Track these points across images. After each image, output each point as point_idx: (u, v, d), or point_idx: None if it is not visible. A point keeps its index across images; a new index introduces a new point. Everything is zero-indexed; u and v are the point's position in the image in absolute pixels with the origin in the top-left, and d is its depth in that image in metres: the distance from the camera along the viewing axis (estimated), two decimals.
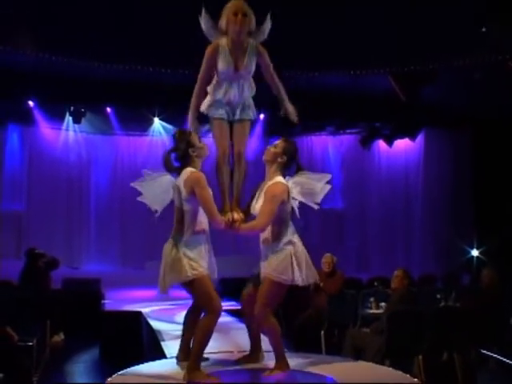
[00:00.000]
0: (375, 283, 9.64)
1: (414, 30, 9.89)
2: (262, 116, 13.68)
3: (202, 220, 4.53)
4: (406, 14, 9.61)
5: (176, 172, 4.59)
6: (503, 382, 6.38)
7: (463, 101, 13.01)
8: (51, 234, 14.42)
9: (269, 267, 4.50)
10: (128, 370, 4.61)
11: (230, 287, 11.24)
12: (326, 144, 16.28)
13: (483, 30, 9.98)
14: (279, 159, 4.68)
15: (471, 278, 12.32)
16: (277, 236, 4.55)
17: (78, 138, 15.17)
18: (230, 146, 4.81)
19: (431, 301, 8.73)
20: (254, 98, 4.86)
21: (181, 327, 4.86)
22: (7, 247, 13.57)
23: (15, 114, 14.03)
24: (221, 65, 4.61)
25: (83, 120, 14.10)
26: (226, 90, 4.68)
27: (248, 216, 4.69)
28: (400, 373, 4.72)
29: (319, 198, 4.74)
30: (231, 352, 5.41)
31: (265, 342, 4.79)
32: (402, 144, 15.44)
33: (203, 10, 4.65)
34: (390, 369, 5.00)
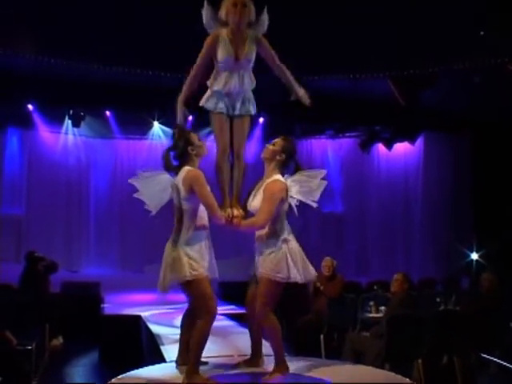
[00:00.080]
0: (375, 287, 9.63)
1: (414, 34, 9.90)
2: (261, 119, 13.69)
3: (203, 215, 4.53)
4: (405, 18, 9.61)
5: (174, 171, 4.59)
6: None
7: (462, 104, 13.01)
8: (51, 238, 14.40)
9: (265, 266, 4.50)
10: (127, 373, 4.61)
11: (230, 291, 11.24)
12: (325, 147, 16.27)
13: (482, 33, 9.98)
14: (278, 157, 4.68)
15: (471, 281, 12.33)
16: (272, 234, 4.55)
17: (77, 142, 15.15)
18: (229, 142, 4.82)
19: (431, 304, 8.73)
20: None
21: None
22: (7, 251, 13.56)
23: (14, 117, 14.01)
24: (221, 54, 4.62)
25: (82, 123, 14.09)
26: (226, 81, 4.67)
27: (246, 213, 4.70)
28: (400, 377, 4.72)
29: (316, 196, 4.73)
30: (231, 356, 5.40)
31: (265, 347, 4.79)
32: (401, 147, 15.44)
33: (205, 2, 4.68)
34: (390, 373, 5.00)
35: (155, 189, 4.65)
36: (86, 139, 15.22)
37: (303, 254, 4.61)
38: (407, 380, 4.69)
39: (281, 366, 4.50)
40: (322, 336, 8.15)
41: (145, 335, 8.25)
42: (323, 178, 4.72)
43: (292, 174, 4.75)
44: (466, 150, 15.04)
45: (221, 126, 4.75)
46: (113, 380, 4.43)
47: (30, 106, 13.53)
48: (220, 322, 8.40)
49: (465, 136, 14.92)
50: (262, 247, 4.58)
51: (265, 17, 4.79)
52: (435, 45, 10.20)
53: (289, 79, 4.88)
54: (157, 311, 9.54)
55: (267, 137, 13.96)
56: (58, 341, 9.21)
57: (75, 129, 14.54)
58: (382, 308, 8.06)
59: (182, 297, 4.73)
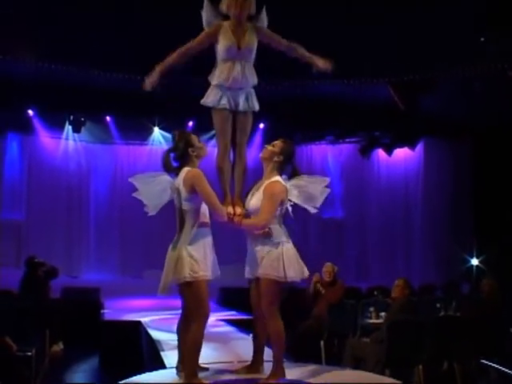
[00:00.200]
0: (375, 292, 9.61)
1: (413, 40, 9.91)
2: (261, 125, 13.69)
3: (205, 213, 4.53)
4: (405, 23, 9.62)
5: (174, 172, 4.59)
6: None
7: (462, 110, 13.01)
8: (51, 243, 14.39)
9: (262, 267, 4.51)
10: (127, 379, 4.60)
11: (231, 296, 11.25)
12: (325, 153, 16.28)
13: (482, 39, 9.99)
14: (276, 158, 4.70)
15: (471, 287, 12.31)
16: (268, 235, 4.55)
17: (77, 147, 15.17)
18: (231, 140, 4.82)
19: (431, 310, 8.71)
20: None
21: None
22: (7, 256, 13.55)
23: (15, 123, 14.03)
24: (224, 42, 4.67)
25: (83, 129, 14.12)
26: (229, 71, 4.67)
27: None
28: (400, 383, 4.71)
29: (318, 202, 4.75)
30: (231, 362, 5.40)
31: (266, 354, 4.78)
32: (401, 153, 15.44)
33: (205, 1, 4.71)
34: (390, 379, 4.99)
35: (155, 189, 4.62)
36: (86, 145, 15.24)
37: (298, 256, 4.61)
38: None
39: (277, 370, 4.51)
40: (322, 342, 8.14)
41: (145, 341, 8.23)
42: (326, 186, 4.74)
43: (290, 177, 4.76)
44: (465, 156, 15.03)
45: (223, 123, 4.76)
46: None
47: (30, 112, 13.57)
48: (220, 328, 8.41)
49: (465, 142, 14.92)
50: (257, 247, 4.58)
51: (263, 15, 4.84)
52: (435, 50, 10.21)
53: (304, 55, 4.88)
54: (157, 317, 9.53)
55: (267, 143, 13.97)
56: (59, 346, 9.17)
57: (75, 134, 14.57)
58: (383, 314, 8.04)
59: None
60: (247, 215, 4.67)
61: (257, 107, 4.85)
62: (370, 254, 15.80)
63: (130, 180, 4.65)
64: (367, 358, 6.89)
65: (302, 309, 8.80)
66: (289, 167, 4.77)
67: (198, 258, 4.36)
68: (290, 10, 8.70)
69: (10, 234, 14.31)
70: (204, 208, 4.49)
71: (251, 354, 4.86)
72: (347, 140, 15.84)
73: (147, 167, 14.17)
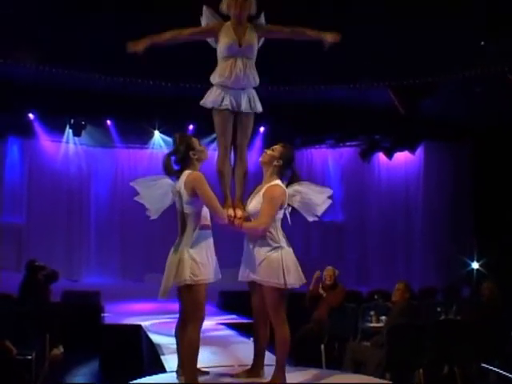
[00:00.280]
0: (375, 296, 9.61)
1: (414, 43, 9.91)
2: (262, 129, 13.70)
3: (206, 215, 4.51)
4: (405, 27, 9.62)
5: (175, 175, 4.58)
6: None
7: (463, 113, 13.02)
8: (51, 247, 14.39)
9: (261, 273, 4.49)
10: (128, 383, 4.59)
11: (231, 300, 11.23)
12: (325, 157, 16.30)
13: (482, 43, 10.00)
14: (275, 163, 4.69)
15: (471, 290, 12.30)
16: (266, 239, 4.54)
17: (78, 151, 15.17)
18: (231, 142, 4.81)
19: (432, 314, 8.71)
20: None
21: None
22: (7, 260, 13.54)
23: (15, 126, 14.04)
24: (225, 40, 4.67)
25: (83, 133, 14.11)
26: (231, 68, 4.66)
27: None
28: None
29: (320, 211, 4.75)
30: (231, 366, 5.39)
31: (267, 358, 4.78)
32: (401, 157, 15.45)
33: (204, 6, 4.74)
34: (391, 382, 4.99)
35: (156, 193, 4.60)
36: (86, 148, 15.24)
37: (296, 261, 4.59)
38: None
39: (279, 375, 4.50)
40: (322, 345, 8.14)
41: (145, 345, 8.23)
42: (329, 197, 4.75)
43: (289, 182, 4.76)
44: (466, 159, 15.04)
45: (224, 124, 4.74)
46: None
47: (30, 115, 13.57)
48: (220, 332, 8.41)
49: (465, 145, 14.93)
50: (255, 249, 4.56)
51: (262, 18, 4.86)
52: (435, 54, 10.21)
53: (311, 35, 4.86)
54: (157, 320, 9.53)
55: (268, 146, 13.98)
56: (59, 350, 9.17)
57: (76, 138, 14.57)
58: (383, 318, 8.04)
59: None
60: (248, 218, 4.67)
61: (260, 109, 4.84)
62: (370, 257, 15.80)
63: (131, 184, 4.62)
64: (368, 362, 6.88)
65: (302, 312, 8.78)
66: (288, 172, 4.76)
67: (199, 260, 4.34)
68: (290, 12, 8.70)
69: (11, 237, 14.32)
70: (205, 211, 4.48)
71: (251, 357, 4.85)
72: (347, 144, 15.86)
73: (148, 171, 14.19)
